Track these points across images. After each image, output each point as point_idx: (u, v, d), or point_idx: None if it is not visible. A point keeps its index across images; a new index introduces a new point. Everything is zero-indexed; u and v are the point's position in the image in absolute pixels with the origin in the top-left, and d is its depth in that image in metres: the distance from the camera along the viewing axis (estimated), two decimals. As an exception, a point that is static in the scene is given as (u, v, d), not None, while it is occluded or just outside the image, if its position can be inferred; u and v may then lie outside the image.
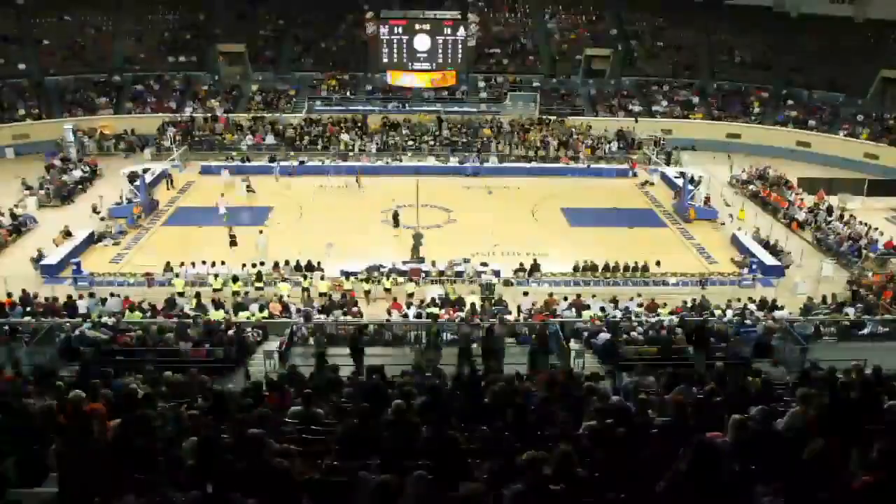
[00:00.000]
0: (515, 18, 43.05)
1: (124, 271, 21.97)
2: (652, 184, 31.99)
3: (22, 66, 36.85)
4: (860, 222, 25.69)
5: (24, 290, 18.30)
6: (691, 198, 27.78)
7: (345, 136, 35.10)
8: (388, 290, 20.47)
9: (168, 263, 21.44)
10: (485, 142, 35.24)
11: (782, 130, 37.07)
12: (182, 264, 21.22)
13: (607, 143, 35.41)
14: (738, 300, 19.24)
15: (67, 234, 23.74)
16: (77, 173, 30.31)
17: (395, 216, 25.74)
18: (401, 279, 21.22)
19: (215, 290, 19.91)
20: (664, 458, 5.44)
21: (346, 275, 20.99)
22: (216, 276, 20.52)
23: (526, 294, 19.59)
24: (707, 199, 28.45)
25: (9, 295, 18.12)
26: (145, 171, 27.88)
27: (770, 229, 25.76)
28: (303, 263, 21.56)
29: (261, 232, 23.61)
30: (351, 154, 33.93)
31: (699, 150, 36.34)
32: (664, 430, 6.51)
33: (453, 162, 33.75)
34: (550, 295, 19.51)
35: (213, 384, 10.42)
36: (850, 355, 12.72)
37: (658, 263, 22.39)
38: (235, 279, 20.16)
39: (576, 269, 22.29)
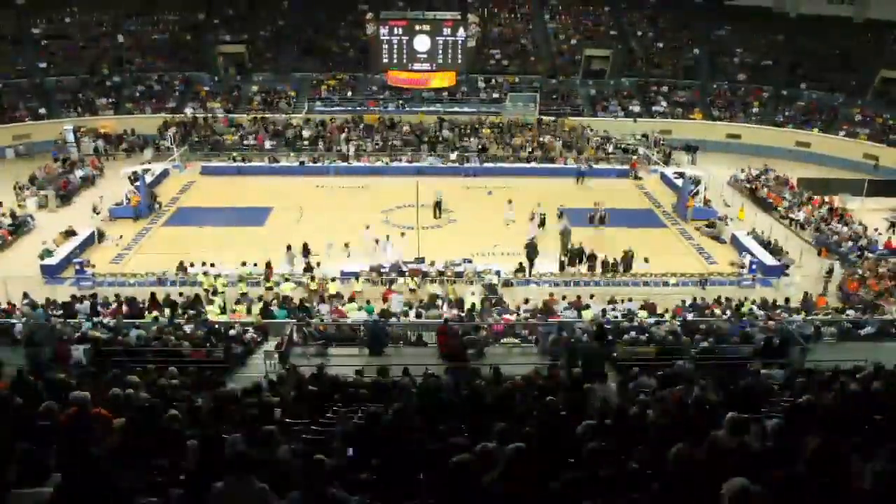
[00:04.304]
0: (515, 18, 43.07)
1: (125, 271, 22.03)
2: (640, 178, 32.65)
3: (22, 67, 36.92)
4: (860, 223, 25.77)
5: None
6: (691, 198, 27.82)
7: (343, 135, 35.17)
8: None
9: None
10: (484, 142, 35.34)
11: (782, 130, 37.10)
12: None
13: (608, 145, 35.51)
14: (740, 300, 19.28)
15: (69, 233, 23.77)
16: (78, 173, 30.36)
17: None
18: (401, 279, 21.28)
19: (206, 290, 19.90)
20: (663, 456, 5.45)
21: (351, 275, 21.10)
22: (205, 274, 20.57)
23: (527, 301, 19.61)
24: (707, 200, 28.47)
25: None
26: (145, 171, 27.95)
27: (770, 229, 25.80)
28: (302, 263, 21.65)
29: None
30: (351, 154, 33.96)
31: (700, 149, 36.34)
32: (663, 429, 6.53)
33: (453, 162, 33.81)
34: (551, 295, 19.56)
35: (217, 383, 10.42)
36: (850, 355, 12.78)
37: (646, 259, 22.45)
38: (241, 279, 20.22)
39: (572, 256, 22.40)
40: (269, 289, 20.43)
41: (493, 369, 11.02)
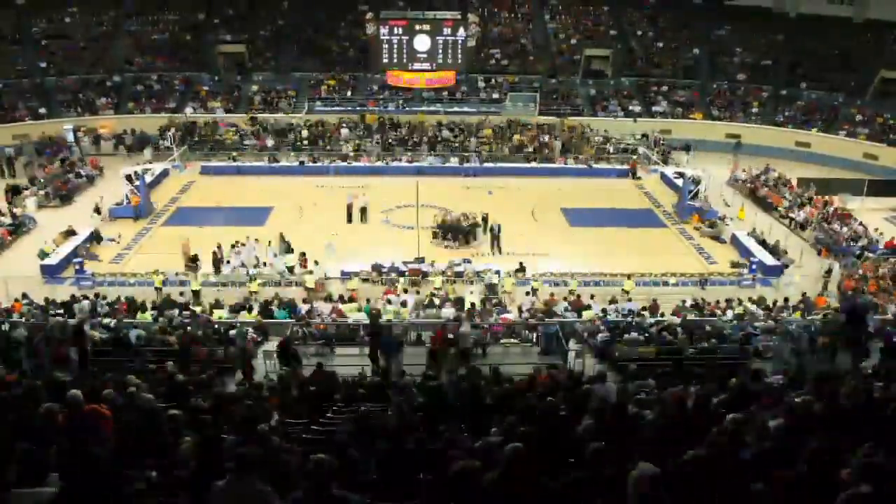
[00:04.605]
0: (515, 18, 43.07)
1: (125, 271, 22.04)
2: (638, 177, 32.32)
3: (22, 67, 36.91)
4: (861, 223, 25.75)
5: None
6: (691, 198, 27.82)
7: (344, 130, 35.22)
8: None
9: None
10: (484, 142, 35.39)
11: (782, 130, 37.09)
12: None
13: (608, 145, 35.52)
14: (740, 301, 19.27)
15: (69, 233, 23.77)
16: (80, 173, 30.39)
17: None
18: (401, 279, 21.29)
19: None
20: (662, 456, 5.45)
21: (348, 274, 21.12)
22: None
23: (528, 294, 19.67)
24: (706, 200, 28.46)
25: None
26: (145, 171, 27.95)
27: (770, 229, 25.81)
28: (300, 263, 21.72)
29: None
30: (351, 154, 34.00)
31: (698, 149, 36.21)
32: (662, 428, 6.53)
33: (453, 162, 33.81)
34: (552, 295, 19.56)
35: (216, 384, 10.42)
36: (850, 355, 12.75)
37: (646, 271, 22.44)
38: (253, 278, 20.25)
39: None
40: (289, 284, 20.49)
41: (493, 369, 11.03)
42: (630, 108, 38.69)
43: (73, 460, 4.91)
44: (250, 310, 17.99)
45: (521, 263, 22.24)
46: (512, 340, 15.95)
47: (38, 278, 21.17)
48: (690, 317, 17.19)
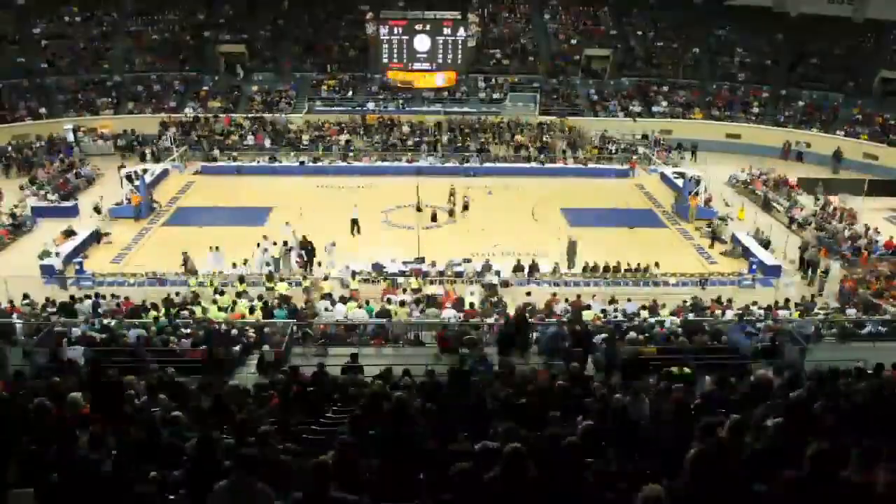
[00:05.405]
0: (515, 18, 43.07)
1: (125, 271, 22.02)
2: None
3: (23, 67, 36.89)
4: (863, 224, 25.73)
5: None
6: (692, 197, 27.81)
7: (344, 137, 35.23)
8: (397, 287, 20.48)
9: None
10: (484, 142, 35.38)
11: (782, 130, 37.08)
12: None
13: (609, 144, 35.52)
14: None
15: (69, 233, 23.76)
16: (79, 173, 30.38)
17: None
18: (401, 279, 21.27)
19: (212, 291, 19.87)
20: (662, 456, 5.44)
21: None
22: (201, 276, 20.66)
23: (528, 294, 19.63)
24: (708, 200, 28.46)
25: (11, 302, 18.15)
26: (144, 171, 27.94)
27: (770, 229, 25.79)
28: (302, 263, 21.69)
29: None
30: (350, 154, 33.99)
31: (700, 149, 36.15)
32: (664, 430, 6.52)
33: (453, 162, 33.81)
34: (553, 295, 19.53)
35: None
36: (851, 356, 12.75)
37: (657, 265, 22.39)
38: (242, 280, 20.17)
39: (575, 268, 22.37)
40: (271, 289, 20.41)
41: (496, 372, 11.03)
42: (630, 108, 38.68)
43: (72, 461, 4.91)
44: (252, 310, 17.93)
45: (518, 261, 22.24)
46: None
47: (37, 278, 21.14)
48: (690, 316, 17.18)
